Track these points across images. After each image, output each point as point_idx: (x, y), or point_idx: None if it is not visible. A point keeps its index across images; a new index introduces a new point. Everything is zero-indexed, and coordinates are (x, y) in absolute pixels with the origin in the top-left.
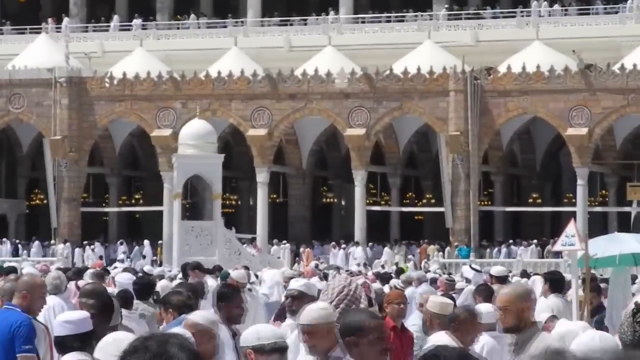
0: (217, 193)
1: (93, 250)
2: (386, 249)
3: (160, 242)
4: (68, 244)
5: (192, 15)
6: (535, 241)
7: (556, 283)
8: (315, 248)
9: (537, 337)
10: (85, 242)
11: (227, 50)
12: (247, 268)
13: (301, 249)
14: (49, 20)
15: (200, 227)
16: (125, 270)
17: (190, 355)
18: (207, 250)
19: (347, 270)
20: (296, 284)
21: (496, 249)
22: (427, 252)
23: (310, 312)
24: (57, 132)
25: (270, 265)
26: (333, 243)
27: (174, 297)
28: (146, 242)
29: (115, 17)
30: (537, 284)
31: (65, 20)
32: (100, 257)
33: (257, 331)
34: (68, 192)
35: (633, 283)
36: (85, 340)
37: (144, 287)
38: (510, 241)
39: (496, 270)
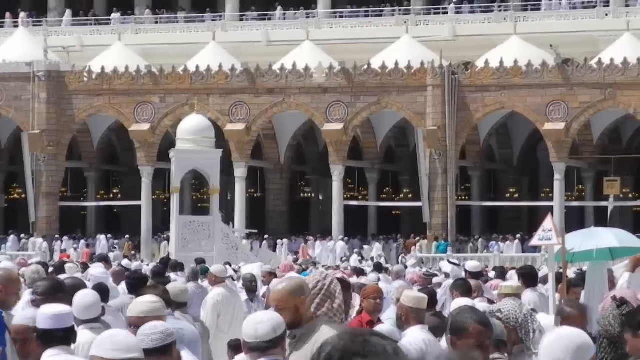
0: (215, 188)
1: (75, 246)
2: (377, 244)
3: (127, 236)
4: (42, 239)
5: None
6: (519, 235)
7: (529, 277)
8: (293, 242)
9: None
10: (65, 236)
11: (206, 45)
12: (228, 264)
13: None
14: (21, 14)
15: (198, 222)
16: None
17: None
18: (205, 245)
19: (323, 265)
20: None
21: (492, 243)
22: (419, 246)
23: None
24: (36, 126)
25: (272, 261)
26: (310, 237)
27: (149, 291)
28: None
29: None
30: (514, 278)
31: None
32: (87, 246)
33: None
34: (46, 187)
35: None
36: (69, 335)
37: (139, 282)
38: (495, 235)
39: (471, 265)
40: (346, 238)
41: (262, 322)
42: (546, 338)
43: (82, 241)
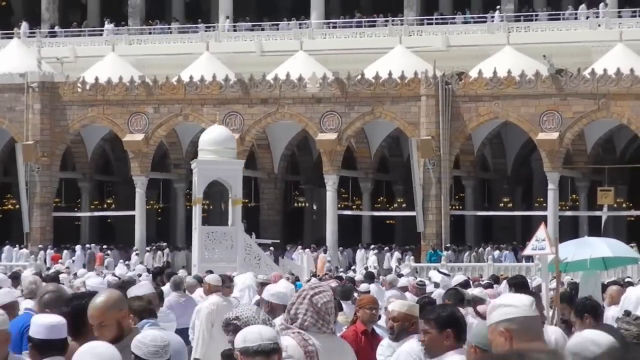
0: (237, 198)
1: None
2: (387, 254)
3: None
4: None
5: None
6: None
7: (520, 286)
8: (286, 252)
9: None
10: (48, 247)
11: (199, 55)
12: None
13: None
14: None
15: (220, 233)
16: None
17: None
18: (227, 256)
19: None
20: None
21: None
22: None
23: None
24: (30, 137)
25: (290, 271)
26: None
27: (135, 302)
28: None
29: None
30: (506, 288)
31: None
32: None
33: (243, 334)
34: (40, 197)
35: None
36: (64, 346)
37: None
38: (503, 245)
39: (457, 279)
40: (340, 248)
41: (264, 327)
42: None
43: (66, 251)
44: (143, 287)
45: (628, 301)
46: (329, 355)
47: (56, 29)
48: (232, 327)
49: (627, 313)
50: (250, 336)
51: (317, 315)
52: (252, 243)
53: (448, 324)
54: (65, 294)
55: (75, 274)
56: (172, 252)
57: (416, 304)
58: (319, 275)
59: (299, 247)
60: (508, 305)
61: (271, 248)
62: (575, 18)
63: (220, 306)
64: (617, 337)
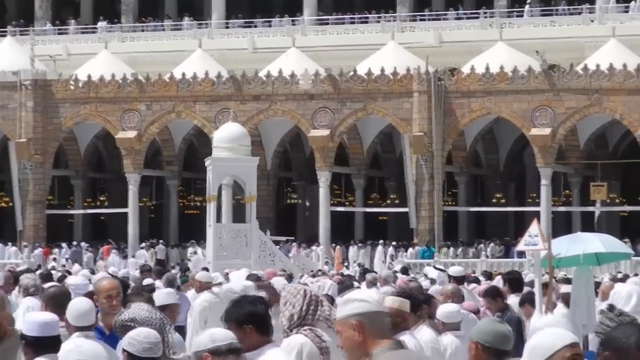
0: (252, 195)
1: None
2: (379, 248)
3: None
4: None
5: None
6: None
7: (515, 282)
8: (280, 248)
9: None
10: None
11: (192, 52)
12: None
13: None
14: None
15: (235, 230)
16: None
17: None
18: (242, 253)
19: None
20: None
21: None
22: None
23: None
24: (22, 134)
25: (305, 267)
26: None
27: (135, 298)
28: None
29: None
30: (500, 283)
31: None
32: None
33: (211, 334)
34: (33, 195)
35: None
36: (57, 344)
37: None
38: (506, 239)
39: (454, 270)
40: (333, 244)
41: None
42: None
43: (56, 249)
44: (169, 296)
45: (618, 296)
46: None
47: (49, 26)
48: (127, 329)
49: (611, 307)
50: (219, 335)
51: (316, 309)
52: (266, 240)
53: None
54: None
55: (68, 272)
56: (165, 249)
57: (407, 300)
58: (312, 271)
59: (294, 243)
60: (360, 300)
61: (293, 244)
62: (569, 14)
63: (212, 303)
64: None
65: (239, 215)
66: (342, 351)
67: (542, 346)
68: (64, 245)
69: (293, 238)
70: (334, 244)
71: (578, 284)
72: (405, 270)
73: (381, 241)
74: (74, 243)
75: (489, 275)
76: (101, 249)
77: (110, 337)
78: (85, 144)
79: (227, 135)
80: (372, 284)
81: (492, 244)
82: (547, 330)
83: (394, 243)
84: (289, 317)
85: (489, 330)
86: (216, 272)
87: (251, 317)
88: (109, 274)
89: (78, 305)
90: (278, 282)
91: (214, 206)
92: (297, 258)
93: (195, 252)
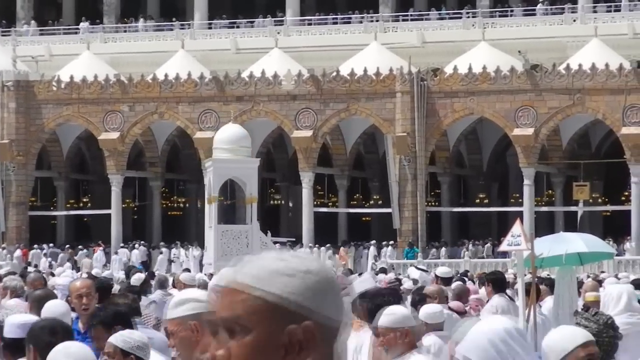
0: (252, 197)
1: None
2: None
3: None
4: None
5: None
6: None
7: (499, 283)
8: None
9: None
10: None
11: (174, 53)
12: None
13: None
14: None
15: (236, 231)
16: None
17: None
18: (243, 254)
19: None
20: None
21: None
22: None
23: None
24: (5, 135)
25: None
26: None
27: (120, 299)
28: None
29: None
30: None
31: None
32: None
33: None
34: (16, 196)
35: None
36: None
37: (103, 291)
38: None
39: (441, 271)
40: (317, 245)
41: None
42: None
43: (34, 250)
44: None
45: (609, 297)
46: None
47: (31, 27)
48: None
49: (586, 308)
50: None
51: None
52: (267, 241)
53: None
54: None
55: (52, 273)
56: (149, 251)
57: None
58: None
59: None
60: (196, 300)
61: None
62: (551, 14)
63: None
64: None
65: (229, 216)
66: (174, 351)
67: (554, 348)
68: (44, 246)
69: (294, 239)
70: (339, 245)
71: (561, 283)
72: (384, 271)
73: (373, 241)
74: (51, 245)
75: (464, 275)
76: (93, 250)
77: (85, 335)
78: (68, 145)
79: (227, 137)
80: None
81: (488, 244)
82: (560, 329)
83: (373, 242)
84: None
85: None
86: (200, 274)
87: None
88: (89, 275)
89: (53, 308)
90: None
91: (215, 207)
92: None
93: (177, 256)
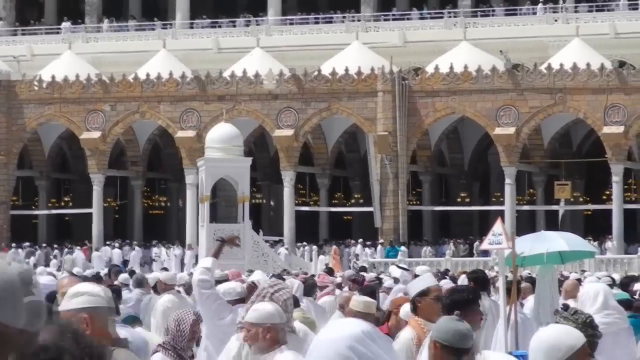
0: (245, 196)
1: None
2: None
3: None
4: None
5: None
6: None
7: (480, 281)
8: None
9: None
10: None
11: (156, 53)
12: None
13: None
14: None
15: (228, 230)
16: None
17: None
18: (235, 253)
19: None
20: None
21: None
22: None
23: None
24: None
25: (298, 267)
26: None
27: None
28: (77, 248)
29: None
30: (465, 282)
31: None
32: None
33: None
34: None
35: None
36: None
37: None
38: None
39: (420, 269)
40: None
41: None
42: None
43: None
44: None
45: (586, 296)
46: None
47: (13, 27)
48: None
49: (565, 307)
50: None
51: None
52: (259, 240)
53: None
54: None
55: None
56: (130, 250)
57: (374, 301)
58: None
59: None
60: (91, 294)
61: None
62: (532, 13)
63: (175, 304)
64: None
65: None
66: None
67: (560, 347)
68: (25, 245)
69: (281, 239)
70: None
71: (542, 282)
72: (364, 270)
73: (360, 240)
74: (27, 244)
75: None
76: (81, 250)
77: None
78: (49, 145)
79: (219, 136)
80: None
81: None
82: (558, 328)
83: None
84: (243, 315)
85: (447, 329)
86: (181, 273)
87: None
88: (70, 273)
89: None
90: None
91: (207, 207)
92: (289, 258)
93: (159, 255)
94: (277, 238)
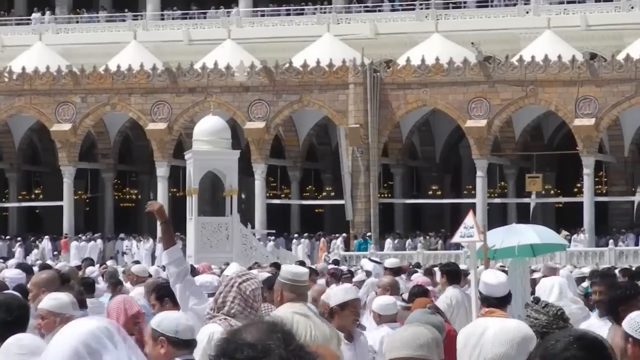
0: (233, 189)
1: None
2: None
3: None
4: None
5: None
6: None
7: (453, 274)
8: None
9: None
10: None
11: (127, 44)
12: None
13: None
14: None
15: (216, 223)
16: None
17: None
18: (224, 246)
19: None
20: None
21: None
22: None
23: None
24: None
25: (287, 261)
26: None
27: (66, 292)
28: (46, 237)
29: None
30: (438, 275)
31: None
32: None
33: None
34: None
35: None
36: None
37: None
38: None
39: (390, 262)
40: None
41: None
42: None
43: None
44: None
45: (542, 289)
46: None
47: None
48: None
49: (536, 300)
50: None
51: (245, 302)
52: (247, 233)
53: None
54: None
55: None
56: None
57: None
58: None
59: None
60: None
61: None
62: (504, 5)
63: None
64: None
65: (179, 209)
66: None
67: None
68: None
69: (274, 231)
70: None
71: (513, 275)
72: (336, 262)
73: (344, 235)
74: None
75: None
76: (60, 242)
77: None
78: (19, 137)
79: (207, 128)
80: (322, 274)
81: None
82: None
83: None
84: (211, 305)
85: (420, 322)
86: (154, 266)
87: None
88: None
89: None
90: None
91: (195, 199)
92: (276, 251)
93: (129, 248)
94: (266, 231)
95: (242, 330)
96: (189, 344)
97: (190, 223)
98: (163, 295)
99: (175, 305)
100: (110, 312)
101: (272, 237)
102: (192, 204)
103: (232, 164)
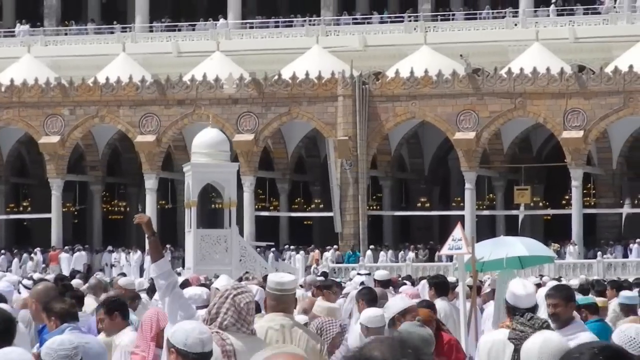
0: (232, 201)
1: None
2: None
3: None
4: None
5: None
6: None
7: (441, 286)
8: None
9: None
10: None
11: (115, 56)
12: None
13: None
14: None
15: (215, 235)
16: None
17: None
18: (223, 258)
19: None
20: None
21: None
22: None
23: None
24: None
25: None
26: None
27: (57, 304)
28: (38, 249)
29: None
30: (426, 287)
31: None
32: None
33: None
34: None
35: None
36: None
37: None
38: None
39: (379, 274)
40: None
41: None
42: (529, 343)
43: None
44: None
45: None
46: (247, 356)
47: None
48: None
49: (522, 313)
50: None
51: (238, 315)
52: (246, 245)
53: None
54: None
55: None
56: (90, 255)
57: (338, 306)
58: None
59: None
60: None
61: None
62: (492, 18)
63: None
64: None
65: (168, 221)
66: None
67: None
68: None
69: (273, 243)
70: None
71: (502, 288)
72: (325, 275)
73: (335, 246)
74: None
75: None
76: (49, 254)
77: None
78: (8, 149)
79: (206, 141)
80: (310, 286)
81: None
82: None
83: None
84: (205, 316)
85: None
86: (140, 279)
87: None
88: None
89: None
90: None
91: (194, 212)
92: (276, 263)
93: (118, 260)
94: (264, 243)
95: (372, 348)
96: (201, 357)
97: (189, 235)
98: (112, 310)
99: (125, 319)
100: (144, 323)
101: (273, 249)
102: (191, 216)
103: (231, 177)
